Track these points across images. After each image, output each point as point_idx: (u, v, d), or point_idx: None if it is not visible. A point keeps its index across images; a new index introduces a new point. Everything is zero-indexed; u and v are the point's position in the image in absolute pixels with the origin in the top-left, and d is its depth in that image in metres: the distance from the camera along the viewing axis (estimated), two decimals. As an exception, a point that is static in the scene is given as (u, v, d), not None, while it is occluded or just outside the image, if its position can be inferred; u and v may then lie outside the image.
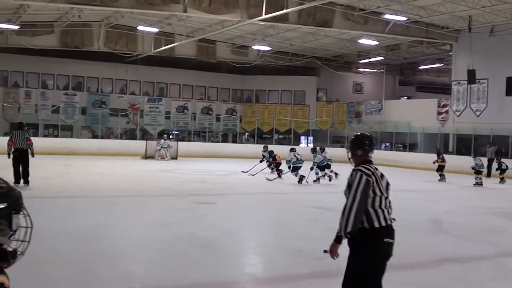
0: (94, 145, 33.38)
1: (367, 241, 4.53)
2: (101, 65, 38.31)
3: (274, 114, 42.28)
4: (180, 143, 34.15)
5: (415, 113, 35.06)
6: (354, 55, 39.49)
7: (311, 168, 21.27)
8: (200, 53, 36.58)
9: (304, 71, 41.69)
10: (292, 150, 21.41)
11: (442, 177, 23.71)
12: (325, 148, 23.04)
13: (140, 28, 30.66)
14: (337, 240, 4.62)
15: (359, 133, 5.12)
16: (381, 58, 38.41)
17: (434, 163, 24.34)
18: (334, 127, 41.10)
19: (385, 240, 4.54)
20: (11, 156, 15.59)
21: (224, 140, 41.58)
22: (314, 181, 20.82)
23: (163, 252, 8.35)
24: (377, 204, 4.56)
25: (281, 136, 42.89)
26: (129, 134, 39.45)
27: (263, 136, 42.19)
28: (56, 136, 35.71)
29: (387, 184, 4.72)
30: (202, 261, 7.67)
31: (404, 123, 35.37)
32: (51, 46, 33.04)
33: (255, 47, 35.25)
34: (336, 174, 22.27)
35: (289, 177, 21.07)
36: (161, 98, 40.73)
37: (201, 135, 41.12)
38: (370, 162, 4.78)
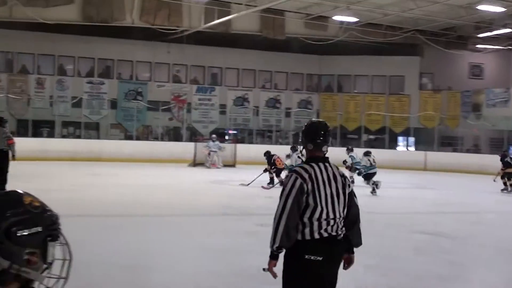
0: (128, 149, 33.84)
1: (286, 257, 4.88)
2: (136, 44, 38.86)
3: (362, 107, 41.94)
4: (238, 145, 34.25)
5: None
6: (471, 27, 38.63)
7: (359, 174, 21.56)
8: (265, 28, 36.56)
9: (403, 49, 41.09)
10: (294, 149, 22.35)
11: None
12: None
13: (186, -5, 30.90)
14: (271, 256, 4.84)
15: (313, 120, 5.50)
16: (509, 30, 37.46)
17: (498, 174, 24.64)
18: (444, 125, 40.40)
19: (307, 257, 4.76)
20: None
21: (296, 141, 41.24)
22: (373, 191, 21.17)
23: (219, 289, 8.28)
24: (307, 215, 4.80)
25: (372, 137, 42.43)
26: (173, 134, 39.87)
27: (348, 136, 41.85)
28: (78, 136, 36.48)
29: (340, 190, 4.93)
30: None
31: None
32: (70, 21, 33.57)
33: (337, 18, 34.97)
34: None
35: (384, 192, 20.80)
36: (213, 88, 41.00)
37: (266, 135, 41.16)
38: (322, 160, 5.00)
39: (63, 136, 36.52)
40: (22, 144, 30.81)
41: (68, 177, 23.70)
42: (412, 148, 41.35)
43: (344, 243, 5.05)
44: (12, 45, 36.79)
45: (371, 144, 40.98)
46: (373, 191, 21.00)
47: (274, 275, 4.83)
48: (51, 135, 35.95)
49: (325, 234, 4.81)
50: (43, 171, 25.07)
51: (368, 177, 21.43)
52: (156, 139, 38.20)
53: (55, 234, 2.59)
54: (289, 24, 37.05)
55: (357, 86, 43.33)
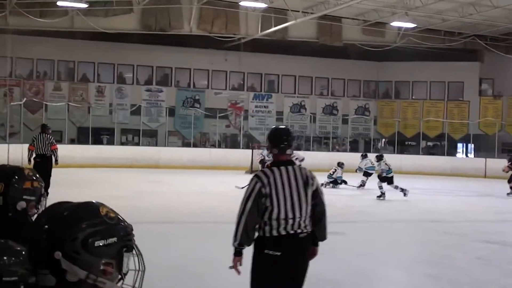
0: (185, 156, 34.06)
1: (253, 252, 5.47)
2: (194, 52, 39.10)
3: (420, 114, 41.52)
4: (295, 152, 34.17)
5: None
6: (532, 31, 38.08)
7: (385, 179, 21.85)
8: (322, 35, 36.49)
9: (462, 55, 40.59)
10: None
11: None
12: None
13: (243, 3, 30.97)
14: (234, 253, 5.44)
15: (276, 127, 6.11)
16: None
17: (504, 171, 25.29)
18: (505, 131, 39.75)
19: (266, 251, 5.32)
20: (32, 162, 17.64)
21: (354, 148, 41.23)
22: (379, 196, 21.74)
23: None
24: (266, 216, 5.32)
25: (430, 144, 41.99)
26: (230, 142, 39.98)
27: (406, 143, 41.46)
28: (137, 144, 36.79)
29: (302, 191, 5.41)
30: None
31: None
32: (129, 30, 34.04)
33: (395, 24, 34.70)
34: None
35: (444, 199, 20.56)
36: (270, 95, 41.05)
37: (323, 142, 41.00)
38: (286, 163, 5.53)
39: (122, 143, 36.93)
40: (83, 151, 31.59)
41: (128, 184, 23.95)
42: (471, 155, 40.80)
43: (310, 239, 5.55)
44: (73, 54, 37.30)
45: (430, 151, 40.63)
46: (404, 193, 21.42)
47: (238, 272, 5.42)
48: (110, 142, 36.37)
49: (283, 232, 5.30)
50: (104, 178, 25.38)
51: (385, 180, 21.87)
52: (213, 146, 38.38)
53: (130, 245, 2.61)
54: (346, 30, 36.93)
55: (415, 92, 42.88)
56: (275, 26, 33.41)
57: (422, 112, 41.57)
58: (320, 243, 10.89)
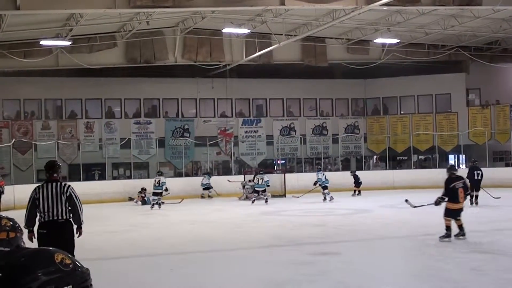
0: (178, 186, 33.94)
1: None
2: (180, 82, 39.29)
3: (410, 128, 41.67)
4: (287, 175, 34.24)
5: None
6: (516, 39, 38.31)
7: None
8: (306, 56, 36.64)
9: (447, 67, 40.83)
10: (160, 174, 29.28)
11: None
12: None
13: (226, 30, 31.12)
14: (28, 231, 9.42)
15: (48, 161, 10.15)
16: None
17: None
18: (494, 140, 39.88)
19: (40, 231, 9.32)
20: None
21: (346, 167, 41.30)
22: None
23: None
24: (38, 210, 9.39)
25: (422, 157, 42.11)
26: (222, 168, 39.99)
27: (398, 158, 41.57)
28: (129, 177, 36.78)
29: (59, 196, 9.37)
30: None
31: None
32: (114, 64, 34.07)
33: (378, 40, 34.91)
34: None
35: (436, 212, 20.55)
36: (259, 119, 41.19)
37: (315, 163, 41.07)
38: (52, 181, 9.52)
39: (114, 178, 36.89)
40: (74, 188, 31.26)
41: (121, 218, 23.95)
42: (463, 166, 40.85)
43: (70, 223, 9.55)
44: (60, 92, 37.43)
45: (422, 164, 40.71)
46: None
47: (32, 241, 9.31)
48: (102, 177, 36.34)
49: (47, 219, 9.31)
50: (96, 214, 25.17)
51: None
52: (206, 174, 38.36)
53: None
54: (331, 50, 37.10)
55: (403, 107, 43.02)
56: (260, 50, 33.48)
57: (412, 127, 41.70)
58: (308, 266, 11.01)
